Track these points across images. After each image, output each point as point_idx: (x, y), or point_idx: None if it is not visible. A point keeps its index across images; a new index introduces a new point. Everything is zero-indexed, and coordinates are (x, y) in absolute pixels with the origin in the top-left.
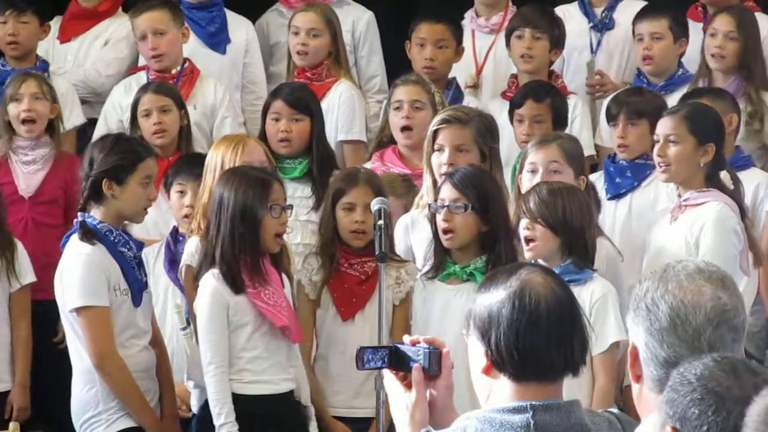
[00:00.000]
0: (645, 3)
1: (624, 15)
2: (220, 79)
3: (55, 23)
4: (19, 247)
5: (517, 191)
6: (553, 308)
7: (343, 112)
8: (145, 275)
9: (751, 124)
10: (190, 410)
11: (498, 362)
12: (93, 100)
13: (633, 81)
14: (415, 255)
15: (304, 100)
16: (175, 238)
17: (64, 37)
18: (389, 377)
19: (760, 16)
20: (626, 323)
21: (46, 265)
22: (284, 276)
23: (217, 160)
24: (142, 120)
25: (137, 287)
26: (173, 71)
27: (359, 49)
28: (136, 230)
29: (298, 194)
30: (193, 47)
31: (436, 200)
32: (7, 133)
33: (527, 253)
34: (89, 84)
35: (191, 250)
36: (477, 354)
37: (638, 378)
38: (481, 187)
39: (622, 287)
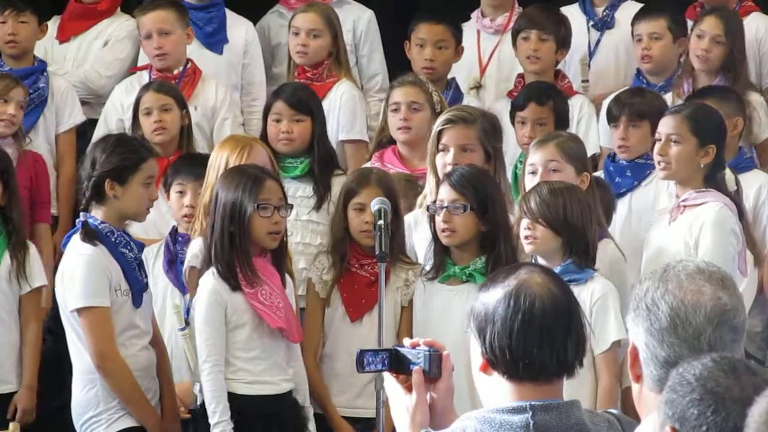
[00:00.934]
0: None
1: (625, 15)
2: (217, 80)
3: (54, 23)
4: (32, 250)
5: (522, 191)
6: (548, 309)
7: (344, 112)
8: (146, 276)
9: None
10: (189, 411)
11: (492, 361)
12: (93, 101)
13: (632, 81)
14: (417, 255)
15: (305, 101)
16: (174, 239)
17: (63, 36)
18: (390, 380)
19: (758, 16)
20: (626, 323)
21: None
22: (287, 276)
23: (221, 160)
24: (143, 118)
25: (138, 288)
26: (175, 71)
27: (360, 48)
28: (135, 229)
29: (299, 194)
30: (190, 47)
31: (435, 200)
32: None
33: (527, 248)
34: (89, 85)
35: (194, 251)
36: (475, 352)
37: (638, 378)
38: (479, 188)
39: (626, 289)
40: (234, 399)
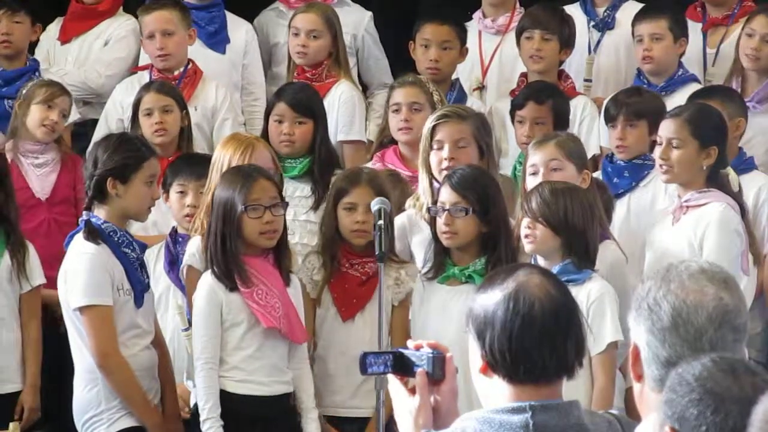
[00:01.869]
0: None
1: (626, 15)
2: (220, 79)
3: (57, 24)
4: (31, 249)
5: (524, 193)
6: (547, 311)
7: (343, 112)
8: (147, 276)
9: None
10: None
11: (492, 363)
12: (94, 100)
13: (633, 81)
14: (414, 256)
15: (307, 103)
16: (175, 239)
17: (65, 37)
18: (394, 382)
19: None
20: (628, 323)
21: None
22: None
23: (223, 160)
24: (143, 119)
25: (140, 288)
26: (176, 72)
27: (362, 49)
28: (135, 228)
29: (298, 194)
30: (193, 47)
31: (434, 201)
32: (17, 137)
33: (527, 247)
34: (89, 85)
35: (192, 250)
36: (474, 354)
37: (640, 377)
38: (481, 189)
39: (627, 290)
40: (224, 396)
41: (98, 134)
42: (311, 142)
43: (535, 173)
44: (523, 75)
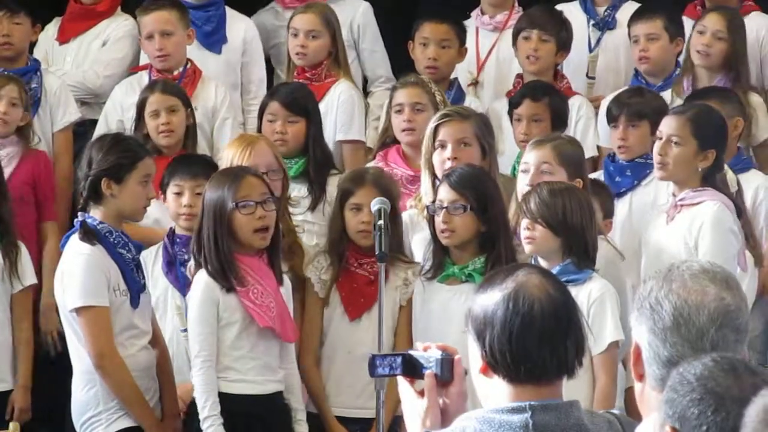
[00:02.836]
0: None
1: (626, 15)
2: (216, 79)
3: (55, 24)
4: (23, 249)
5: (516, 192)
6: (547, 311)
7: (342, 112)
8: (143, 277)
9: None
10: None
11: (492, 364)
12: (92, 101)
13: (631, 81)
14: (414, 255)
15: (299, 102)
16: (173, 240)
17: (63, 38)
18: (403, 384)
19: (759, 15)
20: (629, 322)
21: None
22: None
23: (227, 161)
24: (149, 120)
25: (136, 289)
26: (175, 72)
27: (360, 42)
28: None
29: (294, 194)
30: (189, 47)
31: (435, 201)
32: None
33: (527, 248)
34: (88, 85)
35: (204, 256)
36: (474, 355)
37: (641, 377)
38: (479, 187)
39: (623, 288)
40: (219, 396)
41: (98, 135)
42: (305, 142)
43: (525, 171)
44: (519, 76)
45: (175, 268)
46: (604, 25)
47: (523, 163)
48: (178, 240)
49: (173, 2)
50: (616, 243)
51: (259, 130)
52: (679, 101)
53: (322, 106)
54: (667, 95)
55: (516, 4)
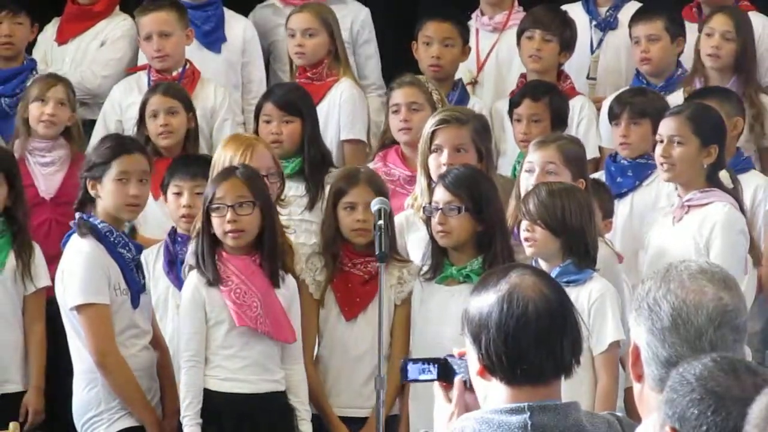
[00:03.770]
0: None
1: (628, 16)
2: (215, 79)
3: (54, 25)
4: (37, 250)
5: (517, 191)
6: (541, 311)
7: (344, 111)
8: (143, 278)
9: (753, 127)
10: None
11: (489, 366)
12: (90, 101)
13: (632, 82)
14: (411, 255)
15: (293, 102)
16: (174, 240)
17: (62, 38)
18: (436, 389)
19: (755, 15)
20: (628, 322)
21: None
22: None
23: (224, 160)
24: (149, 121)
25: (135, 289)
26: (174, 73)
27: (356, 46)
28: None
29: (292, 193)
30: (189, 47)
31: (430, 202)
32: (23, 133)
33: (528, 250)
34: (86, 86)
35: (192, 250)
36: (471, 357)
37: (640, 377)
38: (474, 188)
39: (620, 288)
40: (209, 394)
41: (96, 135)
42: (300, 141)
43: (530, 171)
44: (523, 76)
45: (176, 267)
46: (606, 25)
47: (527, 163)
48: (179, 239)
49: (172, 3)
50: (617, 243)
51: (256, 131)
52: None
53: (324, 105)
54: (669, 96)
55: (515, 4)
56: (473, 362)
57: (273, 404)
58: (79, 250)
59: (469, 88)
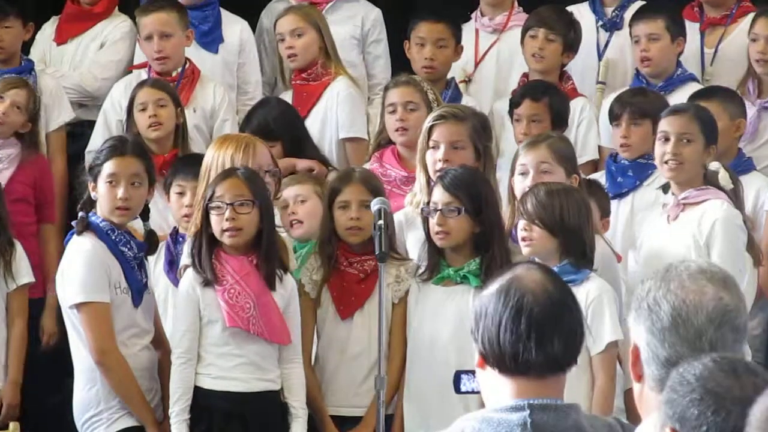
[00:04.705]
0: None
1: None
2: (213, 78)
3: (52, 24)
4: (18, 247)
5: (510, 192)
6: (537, 304)
7: (342, 109)
8: (146, 276)
9: None
10: None
11: (484, 355)
12: (89, 103)
13: (632, 81)
14: (409, 254)
15: (269, 128)
16: (175, 239)
17: (61, 39)
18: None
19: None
20: (627, 322)
21: None
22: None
23: (224, 159)
24: (138, 114)
25: (137, 287)
26: (174, 73)
27: (367, 45)
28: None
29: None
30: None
31: (429, 202)
32: None
33: (525, 250)
34: (86, 88)
35: (189, 250)
36: (474, 350)
37: (639, 378)
38: (473, 189)
39: (619, 287)
40: (198, 392)
41: (96, 134)
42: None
43: (524, 173)
44: (524, 75)
45: (176, 267)
46: (612, 26)
47: (520, 165)
48: (180, 240)
49: (173, 3)
50: (617, 243)
51: None
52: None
53: (321, 105)
54: (669, 96)
55: (515, 5)
56: (475, 354)
57: (266, 403)
58: (79, 249)
59: (461, 86)
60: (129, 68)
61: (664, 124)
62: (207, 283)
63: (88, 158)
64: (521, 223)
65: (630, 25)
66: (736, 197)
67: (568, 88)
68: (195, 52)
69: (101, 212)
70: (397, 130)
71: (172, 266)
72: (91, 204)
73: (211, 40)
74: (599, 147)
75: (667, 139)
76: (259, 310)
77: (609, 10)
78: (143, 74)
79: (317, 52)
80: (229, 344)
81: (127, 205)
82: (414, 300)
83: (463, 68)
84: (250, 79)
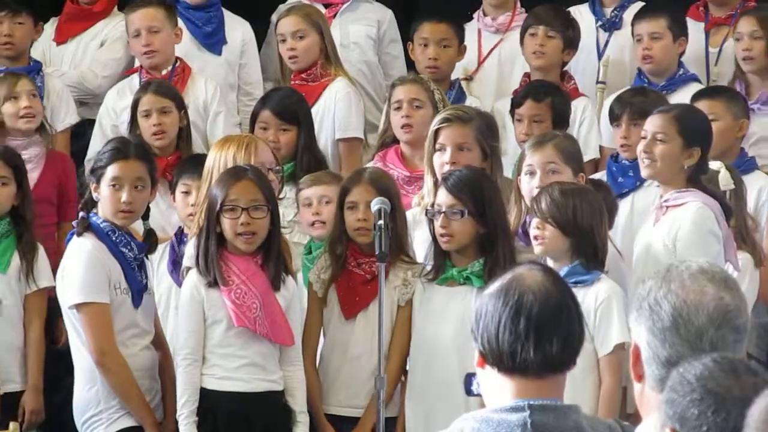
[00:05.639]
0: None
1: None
2: (216, 80)
3: (52, 24)
4: (41, 251)
5: (517, 192)
6: (536, 303)
7: (339, 110)
8: (146, 277)
9: None
10: None
11: (483, 353)
12: (91, 101)
13: (634, 81)
14: (415, 254)
15: (291, 109)
16: (180, 239)
17: (61, 38)
18: None
19: None
20: (629, 322)
21: None
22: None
23: (227, 158)
24: (141, 120)
25: (137, 288)
26: (164, 72)
27: (383, 46)
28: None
29: (288, 194)
30: (189, 48)
31: (434, 204)
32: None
33: (537, 249)
34: (86, 85)
35: (191, 252)
36: (475, 349)
37: (640, 377)
38: (476, 191)
39: (626, 287)
40: (202, 393)
41: (94, 142)
42: (295, 148)
43: (531, 173)
44: (526, 75)
45: (180, 267)
46: (611, 26)
47: (527, 166)
48: (185, 240)
49: (160, 0)
50: (618, 243)
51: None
52: None
53: (320, 105)
54: (670, 96)
55: (518, 5)
56: (476, 354)
57: (269, 403)
58: (79, 249)
59: (464, 85)
60: (124, 72)
61: (646, 123)
62: (211, 284)
63: (88, 167)
64: (534, 222)
65: (632, 24)
66: (738, 197)
67: (570, 87)
68: (199, 54)
69: (103, 214)
70: (402, 127)
71: (176, 266)
72: (91, 204)
73: (215, 41)
74: (600, 147)
75: (645, 138)
76: (264, 310)
77: (608, 11)
78: (135, 79)
79: (318, 54)
80: (233, 345)
81: (131, 209)
82: (418, 300)
83: (465, 67)
84: (252, 79)
